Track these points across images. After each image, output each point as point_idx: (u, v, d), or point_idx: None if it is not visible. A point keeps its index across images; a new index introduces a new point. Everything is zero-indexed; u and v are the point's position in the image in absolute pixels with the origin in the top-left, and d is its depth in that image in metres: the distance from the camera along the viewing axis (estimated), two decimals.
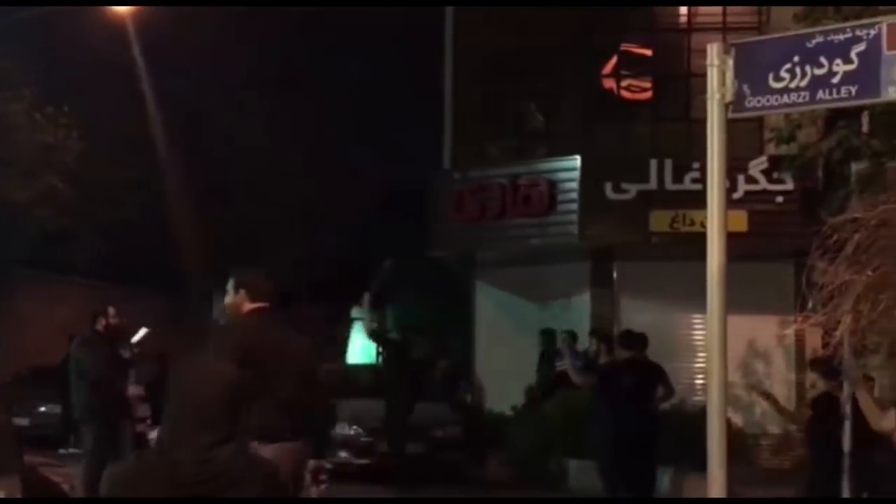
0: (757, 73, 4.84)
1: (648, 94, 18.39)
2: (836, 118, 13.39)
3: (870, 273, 4.61)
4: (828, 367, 9.84)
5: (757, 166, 16.00)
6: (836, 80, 4.62)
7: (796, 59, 4.72)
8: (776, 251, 15.71)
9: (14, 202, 19.09)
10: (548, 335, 16.40)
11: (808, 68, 4.68)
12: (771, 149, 15.85)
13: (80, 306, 17.50)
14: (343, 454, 14.80)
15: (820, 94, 4.67)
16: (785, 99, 4.78)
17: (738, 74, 4.87)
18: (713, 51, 4.97)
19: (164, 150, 22.77)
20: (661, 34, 18.21)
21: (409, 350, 15.06)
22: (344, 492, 13.13)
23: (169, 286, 23.75)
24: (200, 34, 21.14)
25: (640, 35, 18.36)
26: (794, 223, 15.36)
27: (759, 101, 4.84)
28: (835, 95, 4.63)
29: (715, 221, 4.77)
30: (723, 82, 4.92)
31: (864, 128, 13.72)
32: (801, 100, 4.74)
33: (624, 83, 18.17)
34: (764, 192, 16.00)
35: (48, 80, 20.03)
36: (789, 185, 16.01)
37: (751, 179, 15.90)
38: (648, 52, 18.29)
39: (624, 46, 18.27)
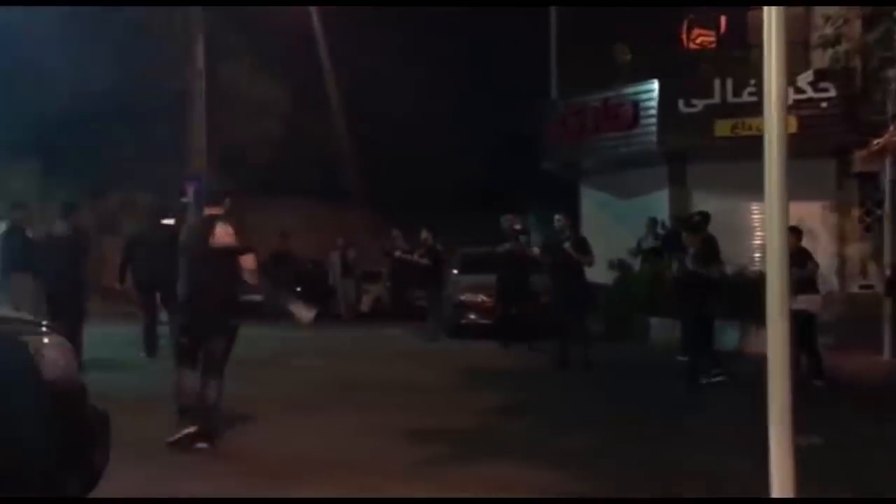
0: None
1: (713, 42, 19.27)
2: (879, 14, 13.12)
3: None
4: None
5: (804, 79, 16.78)
6: None
7: None
8: (820, 149, 16.70)
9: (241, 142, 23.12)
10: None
11: None
12: (816, 61, 16.28)
13: (293, 215, 23.28)
14: (472, 315, 17.64)
15: None
16: None
17: None
18: None
19: (340, 107, 27.41)
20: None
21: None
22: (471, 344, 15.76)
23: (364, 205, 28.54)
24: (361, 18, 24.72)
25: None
26: (836, 124, 16.58)
27: None
28: None
29: (774, 117, 4.00)
30: None
31: None
32: None
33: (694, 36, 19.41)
34: (810, 100, 16.75)
35: (258, 49, 23.90)
36: (832, 93, 16.84)
37: (799, 90, 16.60)
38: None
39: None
